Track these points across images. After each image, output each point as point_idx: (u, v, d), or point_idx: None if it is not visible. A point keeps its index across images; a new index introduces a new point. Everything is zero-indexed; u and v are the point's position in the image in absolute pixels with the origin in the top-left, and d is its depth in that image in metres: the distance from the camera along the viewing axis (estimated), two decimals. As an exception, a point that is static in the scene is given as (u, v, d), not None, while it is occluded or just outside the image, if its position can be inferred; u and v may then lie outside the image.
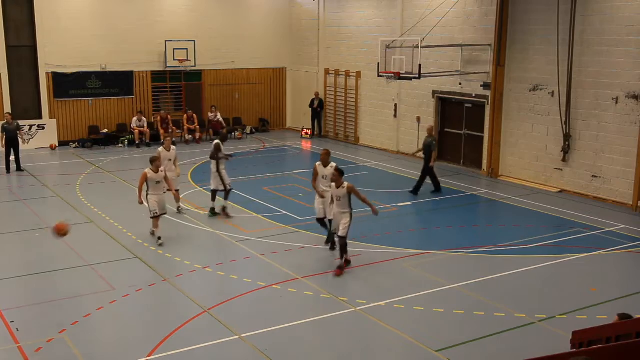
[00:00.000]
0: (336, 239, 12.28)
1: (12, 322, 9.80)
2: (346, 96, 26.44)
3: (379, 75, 20.82)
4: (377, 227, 14.73)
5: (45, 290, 11.27)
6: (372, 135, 25.46)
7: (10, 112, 21.71)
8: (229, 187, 15.46)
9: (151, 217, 13.51)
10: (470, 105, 21.37)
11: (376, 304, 10.63)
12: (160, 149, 15.72)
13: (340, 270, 11.95)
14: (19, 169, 20.34)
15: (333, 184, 12.02)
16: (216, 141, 15.41)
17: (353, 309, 10.46)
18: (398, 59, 20.00)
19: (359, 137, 26.12)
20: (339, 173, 12.00)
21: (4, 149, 20.43)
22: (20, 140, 20.89)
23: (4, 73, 23.58)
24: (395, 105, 23.94)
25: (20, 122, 21.89)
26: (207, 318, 10.09)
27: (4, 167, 20.23)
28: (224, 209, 15.56)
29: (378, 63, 20.69)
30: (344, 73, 26.36)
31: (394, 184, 19.39)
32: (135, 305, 10.73)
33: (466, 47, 20.70)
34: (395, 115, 24.04)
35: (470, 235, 14.53)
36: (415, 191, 17.88)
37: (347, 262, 12.19)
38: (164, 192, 13.78)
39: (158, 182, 13.49)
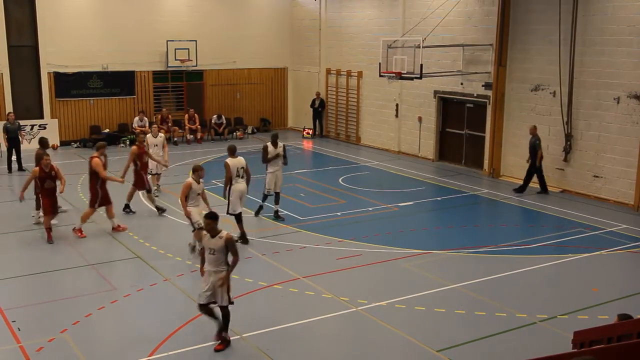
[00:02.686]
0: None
1: (14, 321, 9.81)
2: (347, 96, 26.44)
3: (380, 75, 20.81)
4: (378, 227, 14.74)
5: (46, 290, 11.27)
6: (373, 135, 25.45)
7: (12, 111, 21.73)
8: (266, 192, 15.14)
9: (193, 231, 12.61)
10: (471, 105, 21.36)
11: (377, 303, 10.62)
12: (148, 135, 16.73)
13: (223, 346, 9.13)
14: (20, 168, 20.37)
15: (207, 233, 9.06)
16: (265, 144, 15.17)
17: (354, 309, 10.45)
18: (399, 59, 19.99)
19: (360, 137, 26.11)
20: (212, 219, 8.99)
21: (6, 149, 20.47)
22: (21, 140, 20.91)
23: (5, 73, 23.61)
24: (397, 105, 23.94)
25: (22, 122, 21.93)
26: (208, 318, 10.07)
27: (6, 166, 20.24)
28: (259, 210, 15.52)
29: (379, 63, 20.69)
30: (345, 73, 26.36)
31: (395, 183, 19.39)
32: (137, 305, 10.74)
33: (467, 47, 20.69)
34: (396, 115, 24.03)
35: (471, 235, 14.52)
36: (521, 190, 18.00)
37: (227, 343, 9.16)
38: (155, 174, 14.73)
39: (199, 194, 12.55)
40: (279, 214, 15.37)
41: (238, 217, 13.46)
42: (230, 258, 9.05)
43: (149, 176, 16.22)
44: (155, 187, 17.09)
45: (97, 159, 14.16)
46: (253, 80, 28.68)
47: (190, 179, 12.40)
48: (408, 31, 21.53)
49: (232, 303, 9.10)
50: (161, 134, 17.20)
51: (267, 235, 14.13)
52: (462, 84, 21.22)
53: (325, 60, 27.41)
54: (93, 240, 13.85)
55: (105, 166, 14.37)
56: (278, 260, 12.64)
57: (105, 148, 14.74)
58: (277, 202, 15.30)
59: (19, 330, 9.54)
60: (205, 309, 9.20)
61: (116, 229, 14.33)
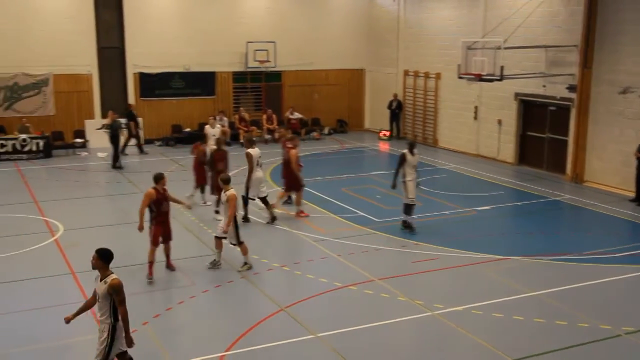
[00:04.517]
0: None
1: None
2: (425, 98, 26.18)
3: (459, 77, 20.49)
4: (456, 231, 14.52)
5: (129, 284, 11.59)
6: (451, 138, 25.08)
7: (112, 110, 22.43)
8: (410, 201, 14.34)
9: (239, 243, 12.22)
10: (554, 108, 20.72)
11: (453, 308, 10.46)
12: (206, 126, 18.77)
13: None
14: (114, 166, 21.11)
15: None
16: (403, 151, 14.46)
17: (429, 313, 10.33)
18: (479, 61, 19.62)
19: (438, 139, 25.79)
20: (100, 256, 7.70)
21: (111, 145, 21.27)
22: (121, 138, 21.69)
23: (94, 73, 24.60)
24: (476, 107, 23.51)
25: (108, 121, 22.72)
26: (284, 316, 10.20)
27: (111, 162, 21.16)
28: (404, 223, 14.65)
29: (459, 64, 20.36)
30: (423, 74, 26.10)
31: (473, 187, 19.04)
32: (214, 301, 10.97)
33: (550, 48, 20.08)
34: (475, 118, 23.60)
35: (552, 242, 14.09)
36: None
37: None
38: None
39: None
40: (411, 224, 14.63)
41: (264, 200, 14.93)
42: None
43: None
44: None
45: (294, 150, 15.44)
46: (330, 82, 28.80)
47: (234, 192, 12.00)
48: (489, 32, 21.10)
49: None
50: (218, 125, 19.16)
51: (343, 236, 14.14)
52: (544, 86, 20.61)
53: (403, 61, 27.22)
54: (174, 236, 14.22)
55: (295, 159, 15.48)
56: (353, 262, 12.64)
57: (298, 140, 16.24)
58: (409, 212, 14.55)
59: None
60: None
61: (299, 214, 15.47)
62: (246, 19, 26.57)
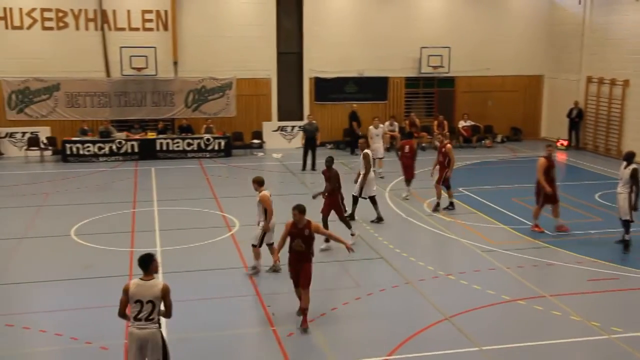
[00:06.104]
0: None
1: (269, 306, 10.68)
2: (610, 106, 24.49)
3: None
4: None
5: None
6: (637, 149, 23.19)
7: (310, 114, 23.30)
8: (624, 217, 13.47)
9: (256, 245, 12.04)
10: None
11: (635, 334, 9.69)
12: (370, 127, 20.48)
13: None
14: (313, 168, 21.67)
15: None
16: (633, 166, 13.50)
17: (606, 336, 9.65)
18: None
19: (622, 151, 23.98)
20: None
21: (303, 147, 21.96)
22: (317, 142, 22.03)
23: (273, 78, 25.78)
24: (668, 117, 21.62)
25: (283, 123, 23.65)
26: (448, 326, 10.04)
27: (301, 163, 21.88)
28: None
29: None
30: (608, 81, 24.45)
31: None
32: (378, 304, 11.03)
33: None
34: (667, 129, 21.71)
35: None
36: None
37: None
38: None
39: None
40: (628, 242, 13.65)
41: (373, 199, 15.36)
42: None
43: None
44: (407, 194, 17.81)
45: (545, 159, 14.62)
46: (506, 88, 27.87)
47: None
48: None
49: None
50: (381, 125, 20.74)
51: (513, 248, 13.63)
52: None
53: (586, 67, 25.68)
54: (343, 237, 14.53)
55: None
56: (523, 275, 12.14)
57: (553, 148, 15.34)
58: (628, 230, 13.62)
59: (273, 315, 10.35)
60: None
61: (559, 228, 14.70)
62: (421, 23, 26.48)
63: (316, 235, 10.07)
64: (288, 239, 10.00)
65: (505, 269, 12.46)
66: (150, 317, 7.42)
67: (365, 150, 15.54)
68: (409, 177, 17.65)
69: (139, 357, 7.46)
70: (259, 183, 12.09)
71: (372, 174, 15.46)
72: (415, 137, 24.68)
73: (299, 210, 9.88)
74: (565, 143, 25.97)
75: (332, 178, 13.85)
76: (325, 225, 13.25)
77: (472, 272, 12.37)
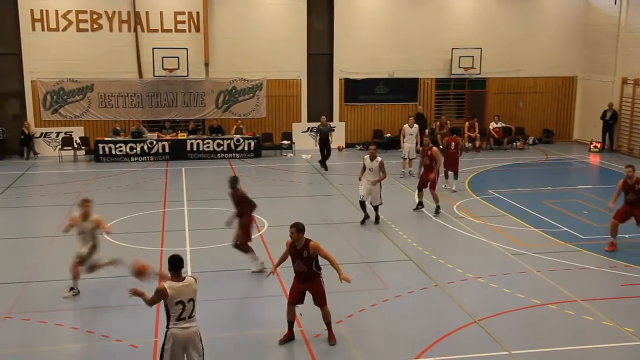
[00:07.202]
0: None
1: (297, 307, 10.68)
2: (645, 108, 24.07)
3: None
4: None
5: (325, 281, 12.03)
6: (673, 153, 22.79)
7: (324, 115, 23.50)
8: None
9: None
10: None
11: (669, 341, 9.51)
12: (405, 125, 21.01)
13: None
14: (325, 168, 22.00)
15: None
16: None
17: (639, 343, 9.48)
18: None
19: (658, 154, 23.57)
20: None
21: (318, 148, 22.51)
22: (330, 142, 22.52)
23: (303, 79, 25.81)
24: None
25: (313, 124, 23.67)
26: (476, 329, 9.94)
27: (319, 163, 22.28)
28: None
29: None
30: (644, 83, 24.02)
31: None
32: (406, 306, 10.97)
33: None
34: None
35: None
36: None
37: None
38: None
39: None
40: None
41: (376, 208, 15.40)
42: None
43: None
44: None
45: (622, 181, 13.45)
46: (538, 90, 27.52)
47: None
48: None
49: None
50: (416, 125, 20.87)
51: (543, 251, 13.44)
52: None
53: (621, 68, 25.23)
54: (370, 238, 14.50)
55: None
56: (554, 279, 11.96)
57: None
58: None
59: (301, 315, 10.34)
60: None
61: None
62: (452, 24, 26.27)
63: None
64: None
65: (536, 272, 12.30)
66: (193, 315, 7.60)
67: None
68: (455, 170, 18.60)
69: (181, 357, 7.57)
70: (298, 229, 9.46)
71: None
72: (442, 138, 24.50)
73: (297, 228, 9.17)
74: (599, 145, 25.56)
75: (240, 200, 12.50)
76: (246, 249, 12.45)
77: (501, 274, 12.23)
